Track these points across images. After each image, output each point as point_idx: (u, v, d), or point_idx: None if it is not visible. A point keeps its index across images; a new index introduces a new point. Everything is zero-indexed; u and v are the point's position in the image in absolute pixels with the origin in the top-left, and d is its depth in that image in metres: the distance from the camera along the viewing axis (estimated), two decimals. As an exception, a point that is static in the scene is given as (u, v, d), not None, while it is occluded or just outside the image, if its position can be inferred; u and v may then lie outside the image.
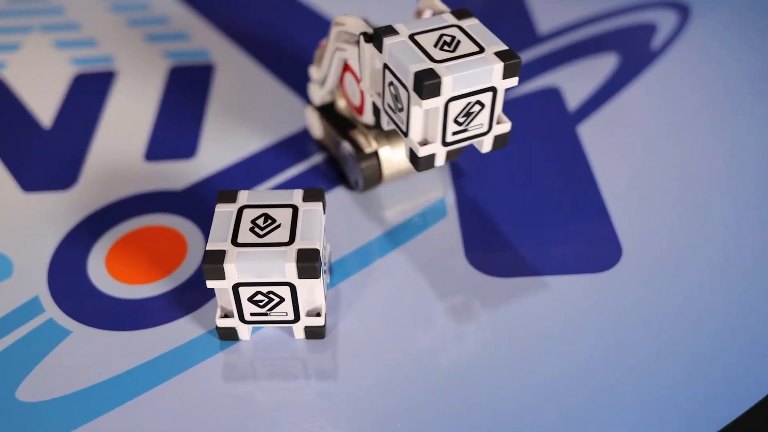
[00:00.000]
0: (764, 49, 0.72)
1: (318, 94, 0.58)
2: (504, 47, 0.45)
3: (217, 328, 0.47)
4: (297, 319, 0.46)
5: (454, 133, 0.46)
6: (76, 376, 0.46)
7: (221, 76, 0.70)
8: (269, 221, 0.45)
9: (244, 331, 0.47)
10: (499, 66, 0.44)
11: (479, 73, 0.44)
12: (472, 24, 0.47)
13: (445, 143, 0.46)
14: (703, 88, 0.67)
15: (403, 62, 0.44)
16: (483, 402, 0.44)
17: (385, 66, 0.46)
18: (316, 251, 0.43)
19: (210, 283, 0.44)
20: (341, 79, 0.54)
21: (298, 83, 0.68)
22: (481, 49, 0.45)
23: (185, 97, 0.68)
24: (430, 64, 0.43)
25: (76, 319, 0.49)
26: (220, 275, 0.43)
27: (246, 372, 0.46)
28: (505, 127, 0.47)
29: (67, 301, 0.50)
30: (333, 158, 0.60)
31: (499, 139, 0.48)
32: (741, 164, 0.59)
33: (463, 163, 0.60)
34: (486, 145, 0.48)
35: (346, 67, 0.53)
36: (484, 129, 0.47)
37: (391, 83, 0.46)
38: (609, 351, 0.46)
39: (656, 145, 0.61)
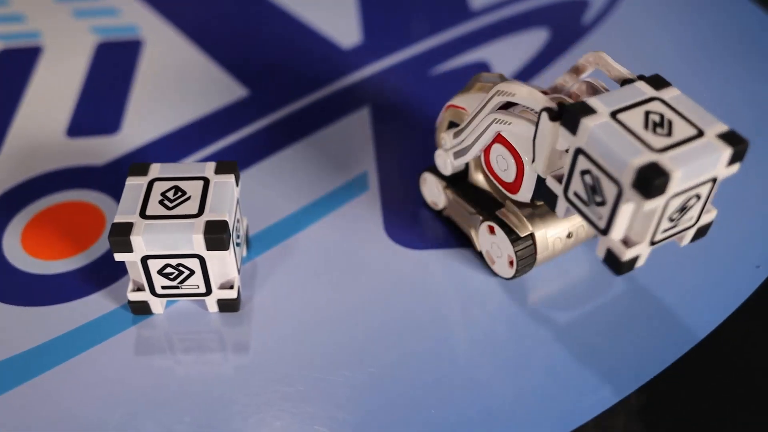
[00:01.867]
0: (695, 23, 0.73)
1: (450, 163, 0.50)
2: (726, 127, 0.38)
3: (129, 302, 0.46)
4: (209, 291, 0.46)
5: (664, 231, 0.39)
6: (-16, 351, 0.45)
7: (149, 52, 0.70)
8: (179, 194, 0.45)
9: (156, 305, 0.47)
10: (727, 153, 0.37)
11: (707, 164, 0.37)
12: (675, 96, 0.40)
13: (652, 243, 0.39)
14: (633, 64, 0.68)
15: (616, 152, 0.36)
16: (397, 369, 0.44)
17: (580, 151, 0.38)
18: (224, 223, 0.43)
19: (118, 256, 0.44)
20: (486, 151, 0.47)
21: (226, 60, 0.68)
22: (700, 132, 0.38)
23: (111, 73, 0.67)
24: (652, 156, 0.36)
25: (-13, 294, 0.49)
26: (128, 248, 0.43)
27: (160, 345, 0.46)
28: (710, 216, 0.41)
29: (-21, 277, 0.50)
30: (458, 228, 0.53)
31: (701, 231, 0.42)
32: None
33: (385, 138, 0.59)
34: (687, 238, 0.41)
35: (496, 138, 0.46)
36: (693, 222, 0.40)
37: (587, 172, 0.38)
38: (521, 318, 0.47)
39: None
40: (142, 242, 0.43)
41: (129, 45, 0.70)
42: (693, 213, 0.39)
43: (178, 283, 0.45)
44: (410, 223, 0.53)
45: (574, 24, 0.72)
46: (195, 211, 0.44)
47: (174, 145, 0.59)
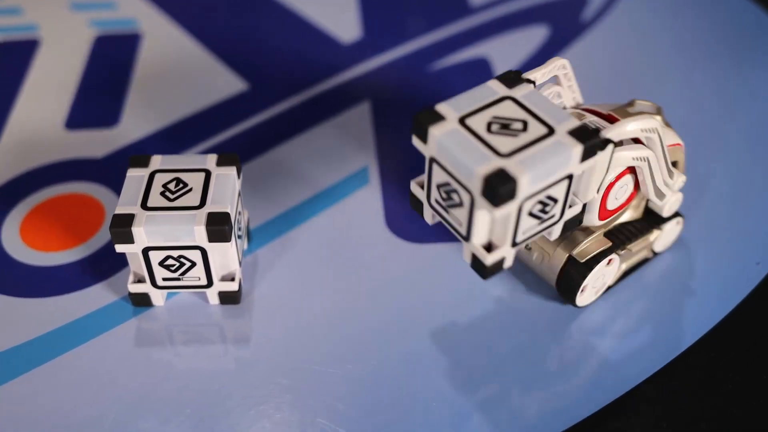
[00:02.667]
0: (694, 21, 0.73)
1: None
2: (577, 123, 0.37)
3: (130, 294, 0.46)
4: (210, 284, 0.46)
5: (525, 231, 0.39)
6: (-17, 343, 0.45)
7: (148, 45, 0.69)
8: (181, 185, 0.45)
9: (157, 297, 0.46)
10: (577, 150, 0.36)
11: (557, 163, 0.36)
12: (526, 93, 0.39)
13: (515, 243, 0.39)
14: (633, 60, 0.68)
15: (464, 161, 0.36)
16: (397, 365, 0.44)
17: (433, 160, 0.38)
18: (226, 215, 0.43)
19: (119, 248, 0.43)
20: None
21: (226, 54, 0.68)
22: (551, 130, 0.37)
23: (110, 66, 0.67)
24: (499, 162, 0.35)
25: (-14, 286, 0.48)
26: (129, 239, 0.43)
27: (160, 337, 0.46)
28: (576, 209, 0.40)
29: (-22, 268, 0.49)
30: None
31: (569, 224, 0.41)
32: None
33: (386, 133, 0.59)
34: (555, 232, 0.41)
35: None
36: (557, 218, 0.40)
37: (443, 181, 0.38)
38: (525, 312, 0.47)
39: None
40: (143, 233, 0.43)
41: (127, 38, 0.70)
42: (555, 211, 0.39)
43: (179, 275, 0.45)
44: (411, 216, 0.53)
45: (573, 21, 0.72)
46: (197, 202, 0.44)
47: (173, 139, 0.59)
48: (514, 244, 0.39)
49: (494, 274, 0.39)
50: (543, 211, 0.38)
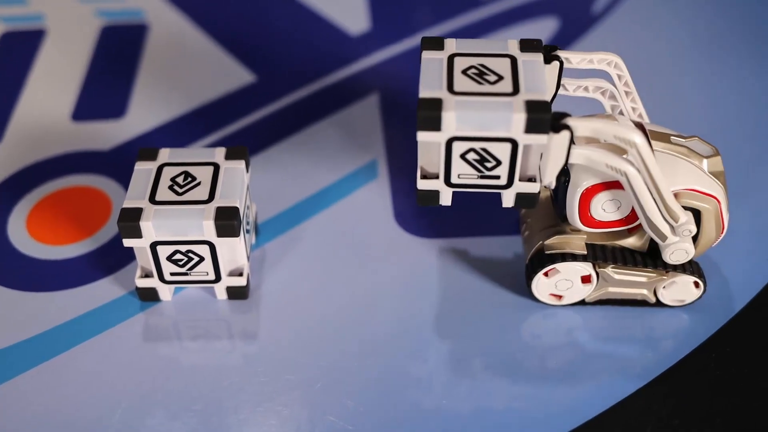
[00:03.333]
0: (708, 12, 0.72)
1: None
2: (541, 97, 0.37)
3: (137, 289, 0.46)
4: (218, 279, 0.45)
5: (462, 176, 0.40)
6: (-10, 337, 0.45)
7: (155, 36, 0.69)
8: (189, 179, 0.44)
9: (164, 292, 0.46)
10: (520, 116, 0.37)
11: (495, 119, 0.37)
12: (528, 60, 0.40)
13: (449, 183, 0.40)
14: (645, 52, 0.67)
15: (422, 82, 0.39)
16: (407, 361, 0.44)
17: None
18: (235, 209, 0.43)
19: (127, 242, 0.43)
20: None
21: (233, 45, 0.67)
22: (515, 92, 0.38)
23: (117, 57, 0.66)
24: (441, 94, 0.38)
25: (-8, 280, 0.48)
26: (137, 233, 0.42)
27: (167, 332, 0.46)
28: (533, 186, 0.40)
29: (-16, 262, 0.49)
30: None
31: (523, 198, 0.41)
32: (685, 128, 0.59)
33: (395, 126, 0.59)
34: (506, 199, 0.41)
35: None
36: (503, 182, 0.40)
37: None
38: (536, 307, 0.46)
39: (594, 107, 0.61)
40: (151, 228, 0.42)
41: (134, 29, 0.69)
42: (499, 172, 0.39)
43: (187, 270, 0.45)
44: (420, 211, 0.52)
45: (584, 13, 0.72)
46: (205, 197, 0.43)
47: (180, 131, 0.59)
48: (449, 183, 0.40)
49: (427, 204, 0.41)
50: (482, 164, 0.39)
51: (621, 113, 0.45)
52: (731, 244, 0.50)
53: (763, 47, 0.68)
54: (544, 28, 0.70)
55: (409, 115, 0.59)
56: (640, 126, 0.41)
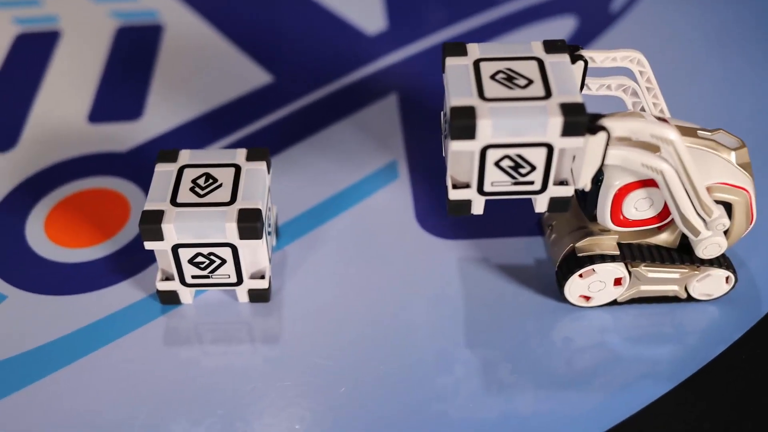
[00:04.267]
0: (723, 13, 0.71)
1: None
2: (576, 99, 0.37)
3: (158, 292, 0.45)
4: (240, 281, 0.45)
5: (495, 183, 0.39)
6: (11, 341, 0.44)
7: (170, 37, 0.68)
8: (210, 181, 0.44)
9: (186, 295, 0.46)
10: (556, 120, 0.36)
11: (531, 125, 0.36)
12: (555, 61, 0.39)
13: (482, 192, 0.39)
14: (663, 51, 0.67)
15: (451, 91, 0.38)
16: (430, 364, 0.43)
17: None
18: (258, 211, 0.42)
19: (148, 245, 0.43)
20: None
21: (249, 45, 0.67)
22: (548, 95, 0.37)
23: (132, 58, 0.66)
24: (474, 101, 0.37)
25: (11, 283, 0.48)
26: (158, 236, 0.42)
27: (188, 336, 0.45)
28: (567, 190, 0.39)
29: (3, 265, 0.49)
30: None
31: (556, 202, 0.40)
32: (705, 122, 0.58)
33: (414, 126, 0.58)
34: (540, 204, 0.40)
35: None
36: (536, 187, 0.39)
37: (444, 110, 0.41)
38: (556, 310, 0.46)
39: (614, 104, 0.60)
40: (173, 230, 0.42)
41: (149, 29, 0.69)
42: (533, 177, 0.38)
43: (209, 273, 0.44)
44: (442, 212, 0.52)
45: (602, 11, 0.71)
46: (227, 198, 0.43)
47: (197, 132, 0.58)
48: (482, 191, 0.39)
49: (458, 214, 0.40)
50: (516, 170, 0.38)
51: (642, 109, 0.45)
52: (754, 237, 0.49)
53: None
54: (562, 27, 0.69)
55: (428, 114, 0.59)
56: (665, 122, 0.41)
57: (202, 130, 0.58)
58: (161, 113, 0.60)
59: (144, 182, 0.54)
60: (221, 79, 0.63)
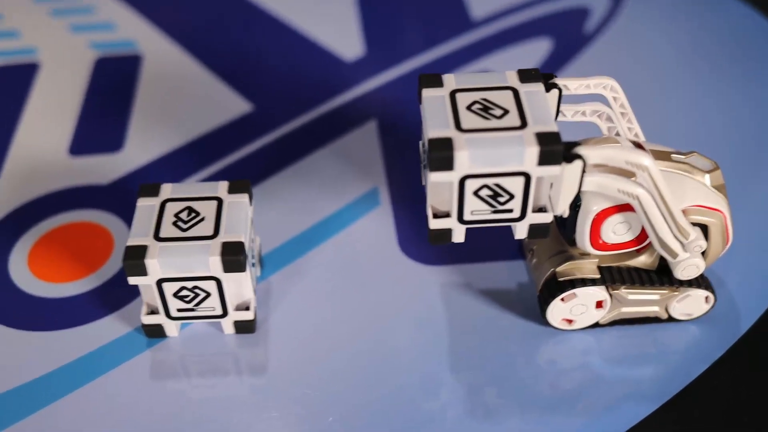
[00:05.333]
0: (697, 30, 0.73)
1: None
2: (551, 129, 0.37)
3: (143, 326, 0.45)
4: (225, 313, 0.45)
5: (475, 212, 0.40)
6: (-6, 379, 0.44)
7: (149, 67, 0.69)
8: (193, 214, 0.44)
9: (171, 328, 0.46)
10: (533, 150, 0.37)
11: (507, 155, 0.37)
12: (530, 90, 0.40)
13: (462, 221, 0.40)
14: (636, 72, 0.68)
15: (428, 123, 0.38)
16: (415, 389, 0.44)
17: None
18: (240, 244, 0.42)
19: (132, 280, 0.43)
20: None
21: (228, 74, 0.67)
22: (524, 125, 0.38)
23: (112, 89, 0.66)
24: (450, 132, 0.37)
25: (-5, 320, 0.47)
26: (142, 271, 0.42)
27: (175, 369, 0.45)
28: (545, 217, 0.40)
29: (-14, 301, 0.49)
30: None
31: (536, 229, 0.41)
32: (678, 144, 0.59)
33: (394, 152, 0.59)
34: (519, 231, 0.41)
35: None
36: (516, 215, 0.40)
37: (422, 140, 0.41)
38: (538, 335, 0.46)
39: (589, 130, 0.61)
40: (157, 265, 0.42)
41: (128, 60, 0.69)
42: (512, 206, 0.39)
43: (194, 306, 0.44)
44: (425, 238, 0.52)
45: (576, 33, 0.72)
46: (210, 232, 0.43)
47: (179, 163, 0.58)
48: (462, 220, 0.40)
49: (440, 243, 0.41)
50: (494, 199, 0.39)
51: (617, 134, 0.45)
52: (731, 257, 0.50)
53: (748, 63, 0.68)
54: (537, 50, 0.70)
55: (407, 140, 0.60)
56: (639, 146, 0.42)
57: (183, 161, 0.58)
58: (142, 144, 0.60)
59: (127, 215, 0.54)
60: (201, 108, 0.63)
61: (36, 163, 0.58)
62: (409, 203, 0.55)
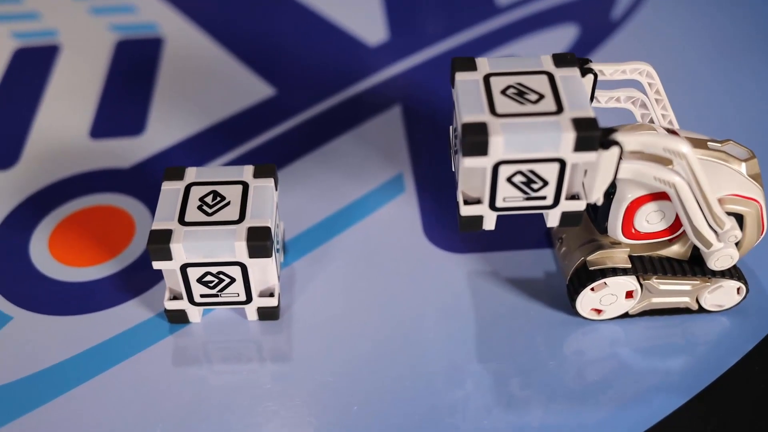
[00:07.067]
0: (723, 18, 0.71)
1: None
2: (588, 114, 0.36)
3: (166, 311, 0.45)
4: (249, 300, 0.44)
5: (507, 199, 0.39)
6: (17, 363, 0.44)
7: (170, 50, 0.68)
8: (218, 199, 0.44)
9: (194, 314, 0.45)
10: (569, 135, 0.36)
11: (543, 140, 0.36)
12: (566, 75, 0.39)
13: (494, 207, 0.39)
14: (664, 58, 0.66)
15: (462, 107, 0.37)
16: (440, 377, 0.43)
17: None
18: (267, 229, 0.42)
19: (156, 265, 0.42)
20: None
21: (250, 58, 0.66)
22: (560, 110, 0.37)
23: (132, 72, 0.65)
24: (485, 117, 0.37)
25: (17, 304, 0.47)
26: (167, 256, 0.42)
27: (197, 355, 0.45)
28: (578, 204, 0.39)
29: (8, 285, 0.48)
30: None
31: (568, 217, 0.40)
32: (713, 132, 0.58)
33: (419, 137, 0.58)
34: (552, 219, 0.40)
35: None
36: (549, 202, 0.39)
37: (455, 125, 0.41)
38: (566, 325, 0.45)
39: (621, 117, 0.60)
40: (182, 250, 0.41)
41: (149, 43, 0.69)
42: (546, 193, 0.38)
43: (218, 291, 0.44)
44: (450, 225, 0.51)
45: (603, 19, 0.71)
46: (236, 217, 0.42)
47: (201, 147, 0.58)
48: (494, 207, 0.39)
49: (470, 230, 0.40)
50: (528, 186, 0.38)
51: (651, 121, 0.44)
52: (765, 247, 0.49)
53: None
54: (563, 36, 0.69)
55: (432, 126, 0.59)
56: (674, 134, 0.41)
57: (205, 145, 0.58)
58: (164, 128, 0.59)
59: (148, 198, 0.53)
60: (223, 92, 0.63)
61: (57, 147, 0.58)
62: (434, 190, 0.54)
